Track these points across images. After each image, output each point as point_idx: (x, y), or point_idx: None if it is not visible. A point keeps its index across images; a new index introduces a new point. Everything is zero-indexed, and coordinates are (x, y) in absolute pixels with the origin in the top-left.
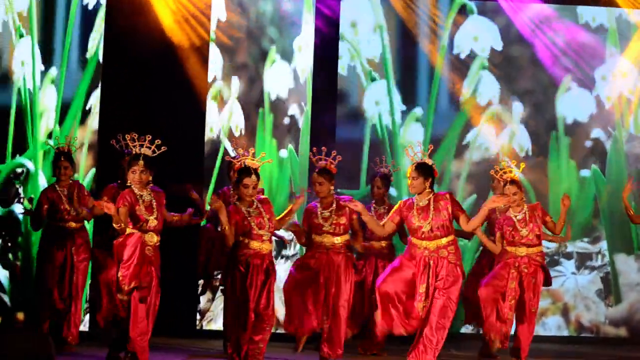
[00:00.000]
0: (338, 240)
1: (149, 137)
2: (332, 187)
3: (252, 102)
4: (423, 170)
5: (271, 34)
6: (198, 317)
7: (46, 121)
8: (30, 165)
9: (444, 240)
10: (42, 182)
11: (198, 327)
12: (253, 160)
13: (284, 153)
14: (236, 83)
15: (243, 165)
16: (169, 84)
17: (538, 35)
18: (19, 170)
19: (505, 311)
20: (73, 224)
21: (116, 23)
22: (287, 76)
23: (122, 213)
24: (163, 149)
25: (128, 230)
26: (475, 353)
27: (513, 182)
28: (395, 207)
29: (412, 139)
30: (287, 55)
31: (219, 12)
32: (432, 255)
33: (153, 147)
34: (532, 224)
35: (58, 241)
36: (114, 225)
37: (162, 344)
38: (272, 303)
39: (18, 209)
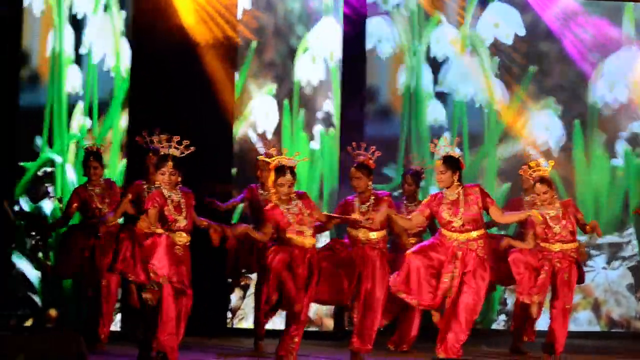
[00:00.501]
0: (374, 235)
1: (177, 137)
2: (370, 182)
3: (280, 99)
4: (450, 163)
5: (298, 31)
6: (229, 315)
7: (77, 119)
8: (58, 159)
9: (475, 234)
10: (71, 177)
11: (229, 326)
12: (288, 159)
13: (314, 146)
14: (264, 80)
15: (279, 164)
16: (196, 82)
17: (566, 31)
18: (49, 169)
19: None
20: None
21: (143, 22)
22: (315, 72)
23: (151, 215)
24: (192, 149)
25: (158, 232)
26: (506, 349)
27: (543, 180)
28: (425, 200)
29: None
30: (314, 51)
31: (245, 9)
32: (462, 247)
33: (182, 147)
34: (566, 221)
35: (87, 236)
36: (143, 226)
37: (193, 342)
38: (308, 300)
39: (47, 206)
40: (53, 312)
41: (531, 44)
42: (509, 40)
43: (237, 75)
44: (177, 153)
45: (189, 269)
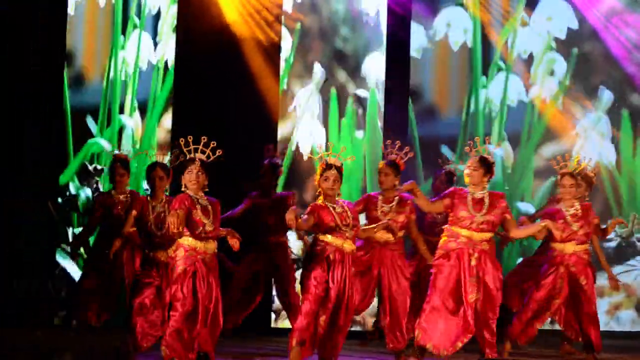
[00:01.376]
0: (391, 237)
1: (204, 139)
2: (397, 183)
3: (326, 99)
4: (486, 164)
5: (344, 32)
6: (273, 316)
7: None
8: (106, 145)
9: (488, 235)
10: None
11: (273, 326)
12: (335, 156)
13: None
14: (310, 81)
15: (325, 163)
16: (240, 80)
17: (610, 30)
18: (99, 167)
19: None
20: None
21: (187, 24)
22: (359, 72)
23: (180, 214)
24: (219, 152)
25: (184, 239)
26: (551, 348)
27: (572, 175)
28: (449, 191)
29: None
30: (358, 51)
31: (289, 10)
32: (476, 247)
33: (208, 151)
34: (583, 221)
35: (109, 244)
36: (171, 230)
37: (237, 343)
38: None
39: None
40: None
41: (575, 42)
42: (562, 35)
43: (282, 75)
44: (203, 157)
45: (217, 277)
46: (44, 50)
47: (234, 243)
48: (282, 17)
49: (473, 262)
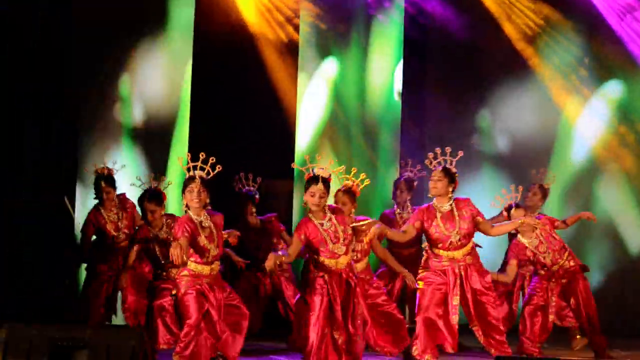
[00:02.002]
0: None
1: (202, 155)
2: (353, 210)
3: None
4: (449, 174)
5: (359, 30)
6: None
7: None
8: None
9: (469, 246)
10: None
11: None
12: (323, 169)
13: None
14: (326, 81)
15: (311, 175)
16: (258, 80)
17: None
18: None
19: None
20: (122, 244)
21: (205, 20)
22: (376, 75)
23: (183, 244)
24: (218, 168)
25: (189, 263)
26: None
27: (517, 206)
28: (415, 212)
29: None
30: (378, 52)
31: (307, 10)
32: (460, 265)
33: (207, 167)
34: (550, 242)
35: (106, 260)
36: (172, 257)
37: (274, 346)
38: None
39: None
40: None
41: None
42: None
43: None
44: (203, 174)
45: (220, 290)
46: (45, 51)
47: (233, 240)
48: (300, 15)
49: (458, 281)
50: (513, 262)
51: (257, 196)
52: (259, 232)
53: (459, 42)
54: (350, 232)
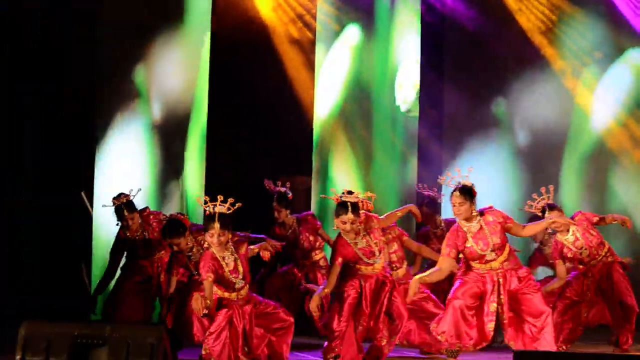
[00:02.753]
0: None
1: (220, 197)
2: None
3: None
4: (469, 193)
5: (376, 18)
6: None
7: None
8: None
9: (505, 254)
10: None
11: None
12: (348, 195)
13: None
14: (343, 71)
15: (339, 200)
16: (276, 76)
17: None
18: None
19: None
20: (149, 262)
21: (222, 15)
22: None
23: (207, 287)
24: (238, 205)
25: (216, 290)
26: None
27: (551, 207)
28: (446, 239)
29: None
30: (396, 38)
31: (324, 2)
32: (499, 272)
33: (227, 205)
34: (587, 237)
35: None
36: (197, 308)
37: (309, 344)
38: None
39: None
40: None
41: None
42: None
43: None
44: (223, 210)
45: (251, 303)
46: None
47: (265, 255)
48: (316, 12)
49: (495, 288)
50: (559, 262)
51: (289, 195)
52: (295, 230)
53: (474, 31)
54: (383, 239)
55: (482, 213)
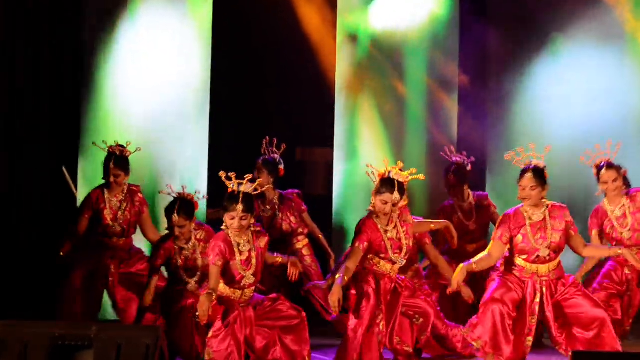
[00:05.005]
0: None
1: (248, 176)
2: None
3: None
4: (541, 177)
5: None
6: None
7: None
8: None
9: (557, 261)
10: None
11: None
12: (400, 172)
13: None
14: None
15: (387, 176)
16: (293, 39)
17: None
18: None
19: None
20: (115, 240)
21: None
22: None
23: (213, 274)
24: (267, 186)
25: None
26: None
27: (610, 166)
28: (500, 221)
29: None
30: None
31: None
32: (543, 280)
33: (255, 185)
34: (634, 219)
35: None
36: (202, 311)
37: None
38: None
39: None
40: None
41: None
42: None
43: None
44: (249, 189)
45: (258, 303)
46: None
47: (294, 273)
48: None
49: (537, 299)
50: (594, 234)
51: (280, 166)
52: (275, 208)
53: None
54: (412, 245)
55: (552, 208)
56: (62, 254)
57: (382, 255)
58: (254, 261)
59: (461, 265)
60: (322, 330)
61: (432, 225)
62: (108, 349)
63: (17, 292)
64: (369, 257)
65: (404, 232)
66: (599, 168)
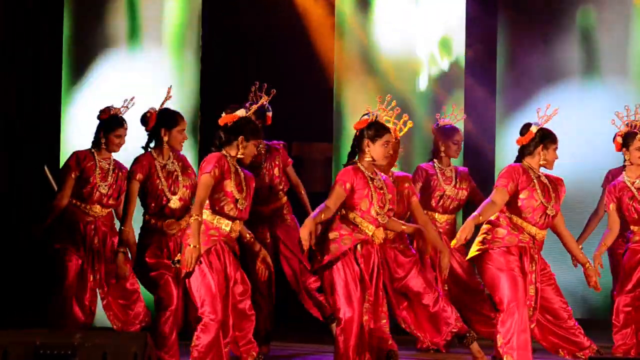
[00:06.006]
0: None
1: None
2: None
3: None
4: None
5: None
6: None
7: None
8: None
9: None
10: None
11: None
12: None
13: None
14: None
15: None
16: (290, 23)
17: None
18: None
19: None
20: (98, 209)
21: None
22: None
23: (202, 186)
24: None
25: (205, 215)
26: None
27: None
28: (506, 171)
29: None
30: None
31: None
32: (536, 248)
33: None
34: None
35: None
36: (183, 267)
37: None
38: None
39: None
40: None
41: None
42: None
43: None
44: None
45: (233, 265)
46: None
47: (262, 272)
48: None
49: (533, 267)
50: (612, 208)
51: (269, 113)
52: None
53: None
54: (395, 200)
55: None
56: (37, 233)
57: (363, 209)
58: (245, 187)
59: (468, 220)
60: (319, 337)
61: (404, 227)
62: (93, 358)
63: (17, 292)
64: (347, 214)
65: (387, 188)
66: (629, 134)
